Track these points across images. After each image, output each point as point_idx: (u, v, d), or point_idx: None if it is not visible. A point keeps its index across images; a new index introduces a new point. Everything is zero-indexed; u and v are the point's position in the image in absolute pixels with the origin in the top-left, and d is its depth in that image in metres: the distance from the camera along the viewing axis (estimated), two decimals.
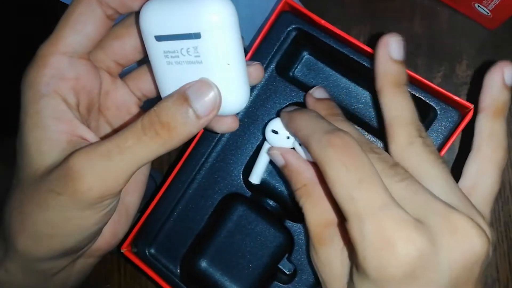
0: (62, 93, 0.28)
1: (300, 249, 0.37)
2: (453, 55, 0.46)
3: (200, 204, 0.38)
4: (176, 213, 0.38)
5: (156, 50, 0.28)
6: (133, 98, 0.33)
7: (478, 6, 0.43)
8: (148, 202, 0.38)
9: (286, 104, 0.37)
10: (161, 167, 0.49)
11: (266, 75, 0.37)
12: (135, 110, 0.34)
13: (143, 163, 0.27)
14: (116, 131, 0.32)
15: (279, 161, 0.32)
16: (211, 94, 0.27)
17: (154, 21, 0.27)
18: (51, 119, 0.27)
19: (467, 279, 0.25)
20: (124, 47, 0.31)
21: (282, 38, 0.37)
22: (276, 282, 0.37)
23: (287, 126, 0.32)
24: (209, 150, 0.37)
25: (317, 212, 0.30)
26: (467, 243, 0.24)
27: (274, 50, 0.37)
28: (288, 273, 0.36)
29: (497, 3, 0.41)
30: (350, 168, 0.25)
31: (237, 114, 0.35)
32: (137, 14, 0.28)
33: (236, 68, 0.27)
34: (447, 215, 0.25)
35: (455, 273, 0.25)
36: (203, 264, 0.36)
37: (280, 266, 0.36)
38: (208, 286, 0.36)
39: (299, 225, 0.37)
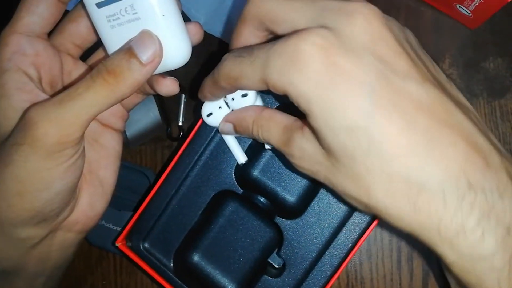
0: (23, 67, 0.30)
1: (289, 245, 0.38)
2: (437, 54, 0.47)
3: (193, 200, 0.39)
4: (170, 208, 0.39)
5: (100, 17, 0.30)
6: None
7: (460, 6, 0.44)
8: (142, 198, 0.38)
9: (277, 105, 0.38)
10: (154, 166, 0.50)
11: None
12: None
13: (96, 111, 0.29)
14: None
15: (229, 128, 0.34)
16: (151, 41, 0.29)
17: None
18: (14, 89, 0.30)
19: (388, 48, 0.25)
20: (79, 29, 0.33)
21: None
22: (265, 276, 0.38)
23: (211, 97, 0.33)
24: (202, 148, 0.38)
25: (274, 130, 0.30)
26: (363, 19, 0.25)
27: None
28: (277, 267, 0.37)
29: (477, 4, 0.42)
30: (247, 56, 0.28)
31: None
32: None
33: (172, 19, 0.29)
34: (342, 8, 0.26)
35: (372, 49, 0.25)
36: (196, 258, 0.37)
37: (270, 260, 0.37)
38: (200, 279, 0.37)
39: (288, 221, 0.38)
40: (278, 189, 0.37)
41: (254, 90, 0.30)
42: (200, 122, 0.38)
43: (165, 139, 0.50)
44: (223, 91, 0.31)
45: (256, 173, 0.37)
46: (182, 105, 0.48)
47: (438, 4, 0.47)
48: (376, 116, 0.24)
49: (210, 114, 0.35)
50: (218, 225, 0.37)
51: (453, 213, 0.24)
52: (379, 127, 0.25)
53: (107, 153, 0.36)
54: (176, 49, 0.30)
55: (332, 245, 0.37)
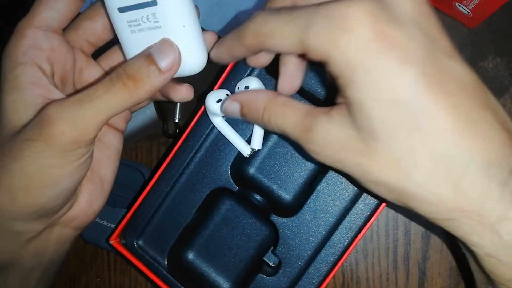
0: (38, 62, 0.30)
1: (285, 243, 0.38)
2: None
3: (188, 198, 0.39)
4: (165, 206, 0.39)
5: (121, 21, 0.30)
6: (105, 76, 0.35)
7: (459, 5, 0.44)
8: (137, 195, 0.38)
9: None
10: (150, 163, 0.50)
11: (254, 74, 0.37)
12: None
13: (113, 112, 0.29)
14: None
15: (235, 108, 0.32)
16: (171, 50, 0.29)
17: None
18: (28, 83, 0.30)
19: (433, 25, 0.25)
20: (95, 27, 0.34)
21: None
22: (261, 274, 0.38)
23: (227, 57, 0.32)
24: (198, 145, 0.38)
25: (290, 116, 0.29)
26: None
27: None
28: (272, 265, 0.37)
29: (476, 2, 0.42)
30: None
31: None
32: None
33: (191, 30, 0.30)
34: None
35: (419, 23, 0.25)
36: (190, 256, 0.36)
37: (265, 259, 0.37)
38: (195, 278, 0.37)
39: (284, 219, 0.38)
40: (274, 187, 0.37)
41: (284, 51, 0.28)
42: (196, 119, 0.37)
43: (161, 136, 0.50)
44: (245, 51, 0.29)
45: (252, 170, 0.37)
46: (179, 103, 0.48)
47: (437, 3, 0.46)
48: (425, 92, 0.24)
49: (219, 100, 0.35)
50: (213, 223, 0.37)
51: (496, 198, 0.24)
52: (427, 104, 0.24)
53: (109, 152, 0.36)
54: (194, 57, 0.31)
55: (328, 244, 0.37)
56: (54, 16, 0.31)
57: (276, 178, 0.37)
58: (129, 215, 0.38)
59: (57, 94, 0.30)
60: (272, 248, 0.37)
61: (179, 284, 0.38)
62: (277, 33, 0.26)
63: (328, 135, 0.27)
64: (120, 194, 0.47)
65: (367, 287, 0.47)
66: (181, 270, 0.38)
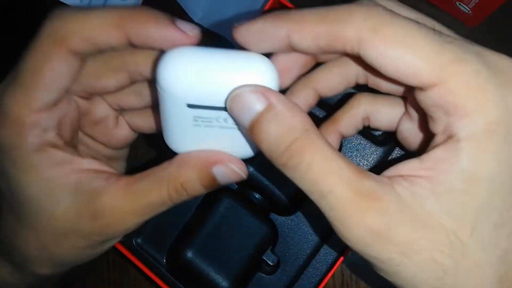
0: (51, 142, 0.27)
1: (284, 241, 0.37)
2: None
3: None
4: None
5: (184, 114, 0.25)
6: (111, 113, 0.32)
7: (460, 4, 0.44)
8: None
9: None
10: (148, 159, 0.50)
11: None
12: (113, 123, 0.32)
13: (151, 213, 0.28)
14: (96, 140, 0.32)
15: (255, 106, 0.22)
16: (235, 175, 0.26)
17: (187, 89, 0.23)
18: (51, 167, 0.27)
19: None
20: (106, 86, 0.28)
21: None
22: (260, 273, 0.38)
23: (255, 42, 0.24)
24: None
25: (338, 166, 0.21)
26: None
27: None
28: (271, 264, 0.37)
29: (477, 1, 0.42)
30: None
31: None
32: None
33: None
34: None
35: None
36: (189, 254, 0.36)
37: (264, 258, 0.37)
38: (194, 276, 0.36)
39: (283, 218, 0.38)
40: (273, 185, 0.37)
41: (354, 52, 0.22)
42: None
43: (160, 132, 0.49)
44: (283, 40, 0.23)
45: (251, 169, 0.37)
46: None
47: (438, 1, 0.46)
48: None
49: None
50: (212, 221, 0.37)
51: None
52: None
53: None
54: (248, 152, 0.27)
55: (327, 242, 0.37)
56: (56, 96, 0.26)
57: (275, 176, 0.37)
58: None
59: (86, 163, 0.28)
60: (271, 247, 0.37)
61: (178, 283, 0.38)
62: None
63: (407, 209, 0.21)
64: None
65: (367, 286, 0.47)
66: (180, 269, 0.37)
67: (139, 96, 0.30)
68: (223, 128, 0.25)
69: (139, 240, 0.39)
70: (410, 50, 0.21)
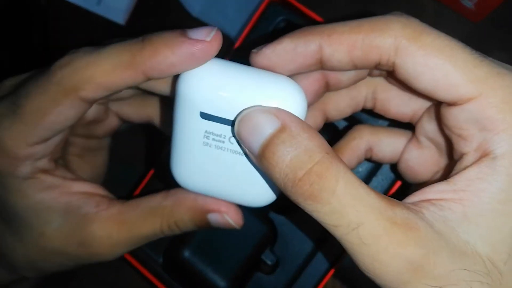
0: (43, 168, 0.27)
1: (283, 241, 0.37)
2: None
3: None
4: None
5: (195, 126, 0.23)
6: (101, 109, 0.31)
7: None
8: (132, 190, 0.38)
9: None
10: (145, 157, 0.49)
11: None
12: (104, 118, 0.32)
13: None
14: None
15: (267, 127, 0.20)
16: (227, 227, 0.28)
17: (203, 95, 0.22)
18: (41, 192, 0.27)
19: None
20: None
21: (270, 29, 0.37)
22: (258, 273, 0.37)
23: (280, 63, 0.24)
24: None
25: (372, 195, 0.20)
26: None
27: (263, 42, 0.37)
28: (270, 264, 0.37)
29: None
30: None
31: None
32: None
33: None
34: None
35: None
36: (187, 253, 0.36)
37: (263, 257, 0.37)
38: (191, 276, 0.36)
39: (282, 217, 0.37)
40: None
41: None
42: None
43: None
44: (314, 59, 0.23)
45: None
46: None
47: None
48: None
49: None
50: None
51: None
52: None
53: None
54: (265, 190, 0.25)
55: (327, 242, 0.36)
56: (54, 134, 0.26)
57: None
58: None
59: (76, 187, 0.28)
60: (270, 246, 0.37)
61: (174, 283, 0.37)
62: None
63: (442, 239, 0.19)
64: (114, 189, 0.46)
65: (367, 286, 0.47)
66: (177, 268, 0.37)
67: None
68: (234, 153, 0.23)
69: None
70: (450, 61, 0.20)
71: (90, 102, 0.25)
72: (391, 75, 0.23)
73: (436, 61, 0.20)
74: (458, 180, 0.20)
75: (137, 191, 0.38)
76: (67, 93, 0.24)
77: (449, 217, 0.19)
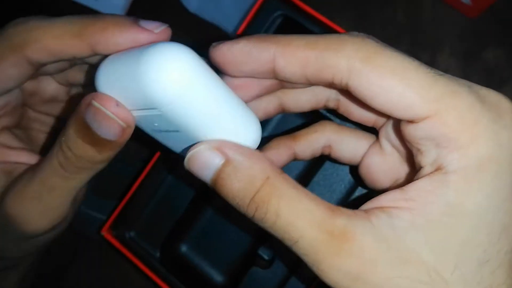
0: None
1: None
2: (435, 44, 0.47)
3: (181, 190, 0.38)
4: (157, 197, 0.38)
5: (140, 119, 0.24)
6: (62, 89, 0.31)
7: None
8: (129, 186, 0.38)
9: None
10: (142, 152, 0.49)
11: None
12: (65, 98, 0.32)
13: (78, 189, 0.26)
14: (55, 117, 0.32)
15: (214, 161, 0.22)
16: (110, 126, 0.24)
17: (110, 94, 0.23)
18: None
19: None
20: (46, 70, 0.29)
21: (267, 24, 0.36)
22: (255, 267, 0.37)
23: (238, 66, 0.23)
24: None
25: (307, 208, 0.21)
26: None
27: None
28: (267, 258, 0.37)
29: None
30: None
31: None
32: None
33: (222, 125, 0.22)
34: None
35: None
36: (184, 248, 0.36)
37: (260, 252, 0.37)
38: (189, 270, 0.36)
39: None
40: None
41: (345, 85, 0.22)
42: None
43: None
44: (266, 64, 0.22)
45: None
46: None
47: None
48: None
49: None
50: (207, 215, 0.37)
51: None
52: None
53: None
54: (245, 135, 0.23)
55: None
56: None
57: None
58: (120, 206, 0.38)
59: (14, 155, 0.28)
60: (266, 241, 0.37)
61: (172, 277, 0.37)
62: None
63: (380, 248, 0.20)
64: (111, 184, 0.46)
65: None
66: (174, 263, 0.37)
67: (87, 73, 0.30)
68: (169, 132, 0.23)
69: (132, 234, 0.38)
70: (404, 82, 0.20)
71: (35, 65, 0.25)
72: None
73: (390, 83, 0.20)
74: (410, 190, 0.21)
75: (143, 175, 0.38)
76: (13, 49, 0.25)
77: (397, 225, 0.20)
